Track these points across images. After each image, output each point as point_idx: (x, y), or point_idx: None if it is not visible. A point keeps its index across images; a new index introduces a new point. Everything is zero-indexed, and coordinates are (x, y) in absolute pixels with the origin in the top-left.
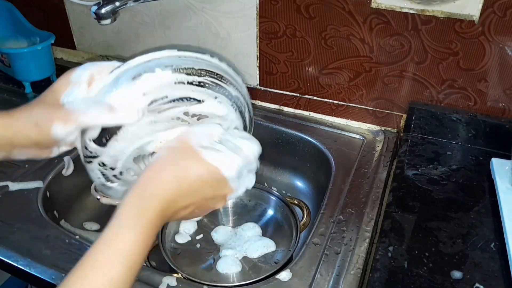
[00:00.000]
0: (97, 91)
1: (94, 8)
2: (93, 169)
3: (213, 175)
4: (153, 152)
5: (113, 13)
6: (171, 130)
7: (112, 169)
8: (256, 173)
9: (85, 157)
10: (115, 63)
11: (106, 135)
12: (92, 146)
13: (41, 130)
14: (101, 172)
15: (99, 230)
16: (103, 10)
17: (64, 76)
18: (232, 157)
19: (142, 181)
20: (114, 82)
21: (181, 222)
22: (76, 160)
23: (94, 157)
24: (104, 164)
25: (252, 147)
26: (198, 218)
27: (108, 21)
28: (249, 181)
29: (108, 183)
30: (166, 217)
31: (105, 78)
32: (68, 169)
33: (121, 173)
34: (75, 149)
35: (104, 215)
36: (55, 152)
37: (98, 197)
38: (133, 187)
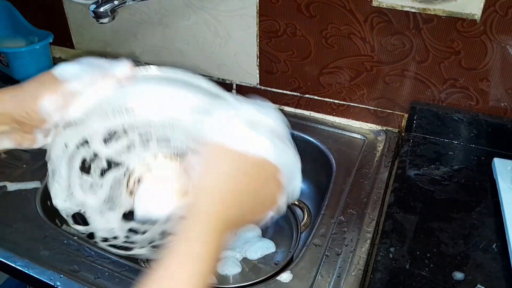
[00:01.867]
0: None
1: (92, 7)
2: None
3: (246, 162)
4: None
5: (112, 12)
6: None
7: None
8: None
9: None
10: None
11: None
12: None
13: (28, 105)
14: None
15: None
16: (101, 9)
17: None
18: (250, 134)
19: (189, 204)
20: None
21: None
22: None
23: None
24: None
25: (264, 115)
26: (270, 212)
27: (106, 19)
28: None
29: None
30: (223, 230)
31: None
32: None
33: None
34: None
35: None
36: (38, 140)
37: None
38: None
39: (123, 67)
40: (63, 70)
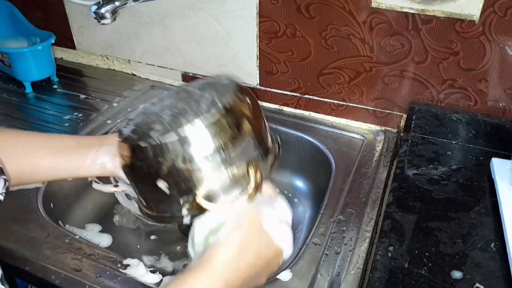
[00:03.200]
0: None
1: (94, 8)
2: None
3: (277, 254)
4: None
5: (113, 13)
6: None
7: None
8: None
9: None
10: None
11: None
12: None
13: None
14: None
15: (101, 231)
16: (103, 10)
17: None
18: (288, 233)
19: (215, 263)
20: None
21: None
22: None
23: None
24: None
25: (289, 214)
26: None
27: (108, 20)
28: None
29: None
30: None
31: None
32: None
33: None
34: None
35: (105, 215)
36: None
37: (90, 179)
38: (202, 264)
39: None
40: None
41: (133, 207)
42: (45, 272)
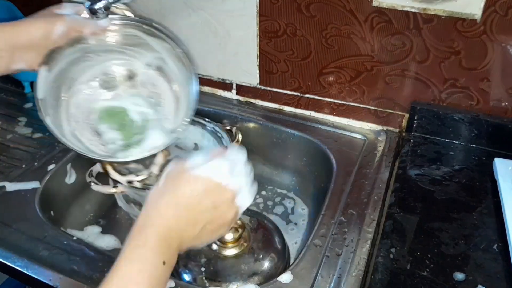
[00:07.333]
0: None
1: (87, 4)
2: None
3: (206, 185)
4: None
5: (106, 9)
6: None
7: None
8: (257, 174)
9: None
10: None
11: None
12: None
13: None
14: None
15: (101, 233)
16: (96, 6)
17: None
18: (217, 162)
19: (143, 214)
20: None
21: None
22: (76, 166)
23: None
24: None
25: (234, 151)
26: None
27: (101, 16)
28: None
29: None
30: (174, 243)
31: None
32: (70, 177)
33: None
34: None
35: (104, 215)
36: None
37: (89, 180)
38: (136, 221)
39: None
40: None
41: (132, 210)
42: (42, 273)
